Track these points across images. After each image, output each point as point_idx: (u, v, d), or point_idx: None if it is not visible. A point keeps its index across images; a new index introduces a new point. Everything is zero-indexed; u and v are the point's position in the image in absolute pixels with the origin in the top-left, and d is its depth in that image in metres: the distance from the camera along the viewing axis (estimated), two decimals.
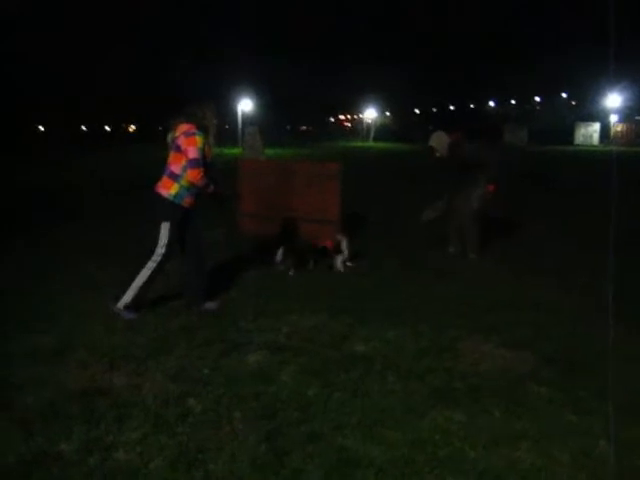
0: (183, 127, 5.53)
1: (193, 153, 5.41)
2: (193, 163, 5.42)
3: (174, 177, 5.52)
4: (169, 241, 5.54)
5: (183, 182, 5.51)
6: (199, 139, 5.46)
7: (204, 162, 5.50)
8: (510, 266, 7.65)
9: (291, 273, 7.27)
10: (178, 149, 5.50)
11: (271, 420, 3.78)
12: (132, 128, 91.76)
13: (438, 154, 8.22)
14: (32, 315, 5.66)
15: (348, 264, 7.62)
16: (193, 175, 5.44)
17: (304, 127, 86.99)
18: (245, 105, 63.34)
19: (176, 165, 5.53)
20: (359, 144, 65.29)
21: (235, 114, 62.12)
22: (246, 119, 57.48)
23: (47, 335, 5.13)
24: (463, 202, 8.06)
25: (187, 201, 5.58)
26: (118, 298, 5.59)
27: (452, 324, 5.47)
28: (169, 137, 5.63)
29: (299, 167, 9.92)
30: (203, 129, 5.56)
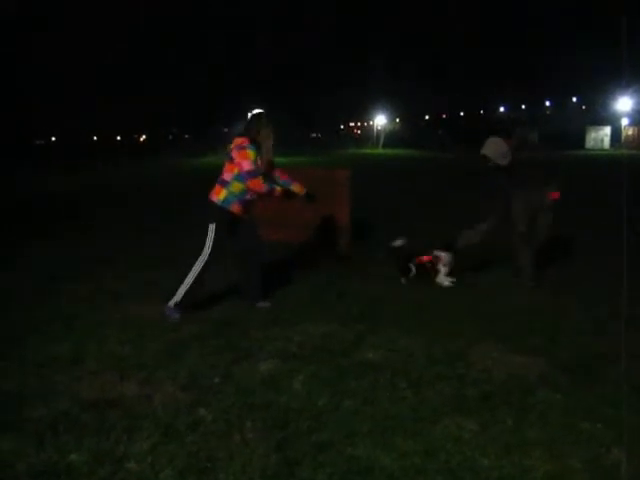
0: (238, 140, 5.91)
1: (247, 165, 5.79)
2: (251, 174, 5.80)
3: (224, 184, 5.91)
4: (214, 243, 5.87)
5: (232, 189, 5.88)
6: (250, 152, 5.82)
7: (260, 171, 5.90)
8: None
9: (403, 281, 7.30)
10: (231, 160, 5.89)
11: (282, 429, 3.76)
12: (143, 138, 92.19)
13: (491, 163, 7.17)
14: (46, 324, 5.67)
15: (447, 282, 7.23)
16: (255, 184, 5.83)
17: (314, 134, 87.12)
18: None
19: (228, 174, 5.91)
20: (369, 151, 65.32)
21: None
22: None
23: (60, 344, 5.14)
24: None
25: (235, 207, 5.91)
26: (168, 299, 5.89)
27: (464, 332, 5.44)
28: (228, 149, 6.01)
29: (309, 174, 9.92)
30: (256, 143, 5.90)
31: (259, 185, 5.84)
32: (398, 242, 7.47)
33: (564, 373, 4.53)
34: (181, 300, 5.86)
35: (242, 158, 5.80)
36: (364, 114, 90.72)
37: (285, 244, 8.92)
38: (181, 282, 5.87)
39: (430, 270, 7.25)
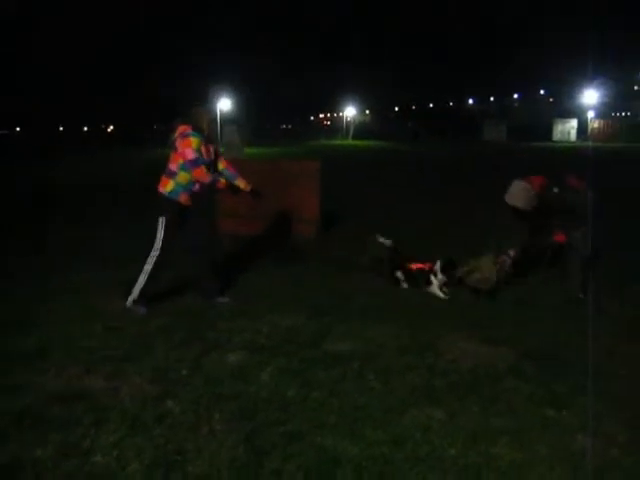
0: (180, 128, 5.74)
1: (190, 154, 5.62)
2: (193, 163, 5.64)
3: (170, 175, 5.74)
4: (165, 236, 5.73)
5: (179, 179, 5.71)
6: (194, 140, 5.65)
7: (204, 160, 5.71)
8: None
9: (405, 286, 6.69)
10: (175, 150, 5.70)
11: (250, 420, 3.75)
12: (110, 129, 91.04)
13: (522, 208, 6.14)
14: (13, 318, 5.59)
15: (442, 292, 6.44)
16: (198, 174, 5.66)
17: (284, 126, 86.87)
18: (224, 104, 63.15)
19: (173, 164, 5.73)
20: (339, 142, 65.34)
21: (214, 113, 61.86)
22: (226, 118, 57.32)
23: (25, 339, 5.07)
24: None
25: (183, 198, 5.76)
26: (127, 295, 5.80)
27: (432, 323, 5.47)
28: (170, 138, 5.81)
29: (278, 166, 9.90)
30: (199, 130, 5.74)
31: (202, 174, 5.67)
32: (385, 241, 7.05)
33: (530, 362, 4.57)
34: (138, 298, 5.76)
35: (185, 146, 5.61)
36: (334, 105, 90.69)
37: (253, 236, 8.88)
38: (136, 280, 5.77)
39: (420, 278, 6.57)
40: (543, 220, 6.22)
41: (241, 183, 6.09)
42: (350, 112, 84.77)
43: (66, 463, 3.30)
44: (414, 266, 6.69)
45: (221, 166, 6.06)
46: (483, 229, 7.33)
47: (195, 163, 5.63)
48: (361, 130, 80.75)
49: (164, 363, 4.61)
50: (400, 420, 3.75)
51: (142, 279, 5.75)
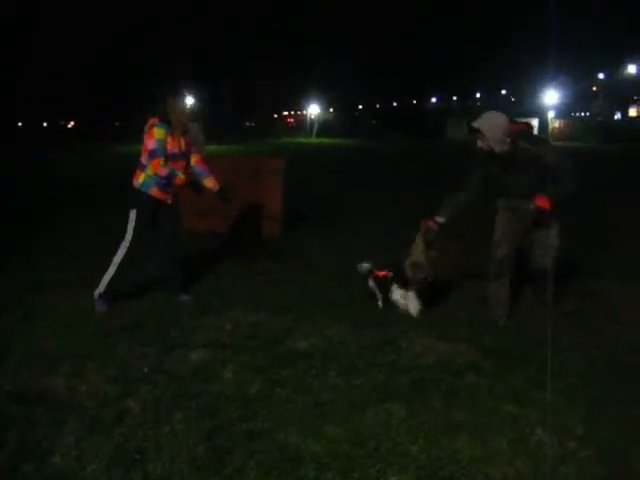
0: (150, 120, 5.70)
1: (151, 144, 5.58)
2: (152, 154, 5.59)
3: (141, 167, 5.74)
4: (136, 228, 5.72)
5: (149, 172, 5.68)
6: (158, 130, 5.59)
7: (165, 153, 5.62)
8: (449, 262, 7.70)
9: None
10: (144, 141, 5.68)
11: (212, 418, 3.73)
12: (71, 124, 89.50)
13: (482, 143, 5.31)
14: None
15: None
16: (153, 165, 5.60)
17: (247, 123, 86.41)
18: (187, 101, 62.73)
19: (143, 156, 5.73)
20: (302, 140, 65.34)
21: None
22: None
23: None
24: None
25: (154, 191, 5.72)
26: (95, 288, 5.76)
27: (393, 320, 5.50)
28: (144, 130, 5.75)
29: (242, 162, 9.86)
30: (167, 122, 5.67)
31: (158, 166, 5.57)
32: (365, 266, 6.15)
33: (490, 358, 4.63)
34: (105, 290, 5.73)
35: (148, 137, 5.60)
36: (298, 103, 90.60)
37: (215, 233, 8.84)
38: (105, 272, 5.76)
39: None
40: (513, 177, 5.31)
41: (210, 182, 6.01)
42: (314, 110, 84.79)
43: (24, 465, 3.24)
44: (381, 273, 5.99)
45: (193, 161, 5.99)
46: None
47: (152, 154, 5.57)
48: (325, 128, 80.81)
49: (125, 361, 4.56)
50: (362, 417, 3.77)
51: (111, 271, 5.73)
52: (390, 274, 5.88)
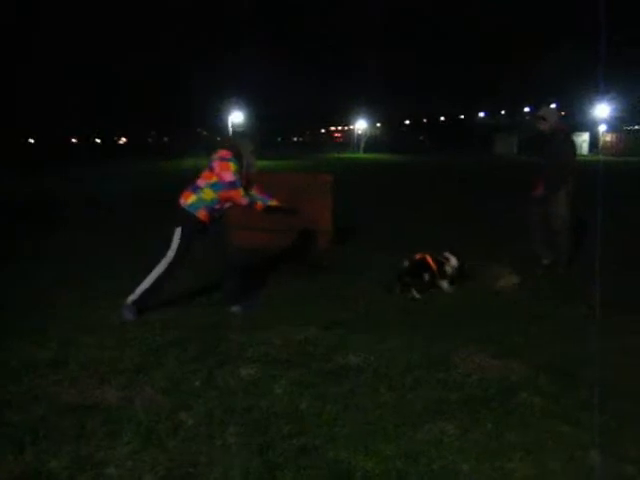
0: (221, 152, 6.00)
1: (229, 177, 5.89)
2: (232, 185, 5.90)
3: (195, 189, 5.97)
4: (179, 246, 5.91)
5: (203, 195, 5.94)
6: (232, 165, 5.92)
7: (241, 184, 5.99)
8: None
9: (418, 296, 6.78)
10: (211, 169, 5.95)
11: (263, 434, 3.75)
12: (123, 140, 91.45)
13: (542, 127, 7.82)
14: (27, 328, 5.61)
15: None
16: (235, 195, 5.95)
17: (295, 138, 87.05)
18: (235, 117, 63.51)
19: (203, 181, 5.98)
20: (349, 155, 65.46)
21: (226, 126, 62.21)
22: (237, 131, 57.61)
23: (39, 349, 5.09)
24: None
25: (202, 213, 5.94)
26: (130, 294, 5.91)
27: (445, 335, 5.46)
28: (210, 159, 6.07)
29: (291, 178, 9.94)
30: (238, 157, 6.01)
31: (240, 196, 5.95)
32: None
33: (543, 376, 4.55)
34: (138, 299, 5.89)
35: (223, 170, 5.88)
36: (345, 118, 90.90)
37: (266, 249, 8.91)
38: (141, 282, 5.90)
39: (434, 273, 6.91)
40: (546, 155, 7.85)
41: (273, 203, 6.35)
42: (361, 125, 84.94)
43: (80, 475, 3.31)
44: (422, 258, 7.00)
45: (254, 191, 6.25)
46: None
47: (234, 185, 5.90)
48: (372, 143, 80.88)
49: (177, 375, 4.62)
50: (413, 434, 3.75)
51: (148, 281, 5.90)
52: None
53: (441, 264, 6.98)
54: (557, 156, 7.66)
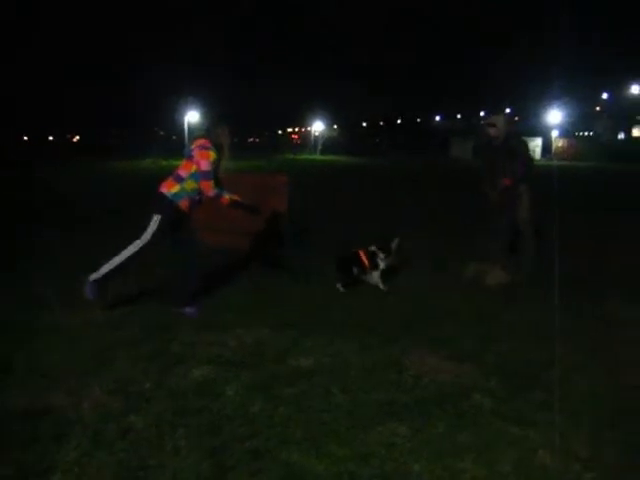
0: (200, 141, 6.03)
1: (205, 166, 5.89)
2: (205, 175, 5.91)
3: (178, 179, 5.95)
4: (155, 233, 5.82)
5: (185, 186, 5.92)
6: (212, 154, 5.94)
7: (214, 175, 6.00)
8: (457, 280, 7.69)
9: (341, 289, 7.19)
10: (191, 158, 5.96)
11: (215, 436, 3.72)
12: (76, 139, 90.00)
13: (494, 133, 7.85)
14: None
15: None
16: (205, 186, 5.93)
17: (251, 139, 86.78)
18: (192, 117, 63.04)
19: (184, 170, 5.96)
20: (306, 157, 65.48)
21: (182, 125, 61.71)
22: (193, 131, 57.22)
23: None
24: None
25: (184, 203, 5.93)
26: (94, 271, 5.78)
27: (399, 337, 5.48)
28: (186, 149, 6.15)
29: (245, 179, 9.87)
30: (217, 146, 6.04)
31: (209, 187, 5.92)
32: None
33: (495, 378, 4.60)
34: (101, 277, 5.76)
35: (202, 157, 5.87)
36: (303, 120, 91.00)
37: (219, 249, 8.82)
38: (108, 261, 5.79)
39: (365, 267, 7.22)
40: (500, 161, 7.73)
41: (235, 198, 6.37)
42: (318, 127, 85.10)
43: None
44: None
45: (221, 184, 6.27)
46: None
47: (206, 175, 5.90)
48: (329, 145, 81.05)
49: (127, 377, 4.55)
50: (365, 436, 3.75)
51: (114, 261, 5.79)
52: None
53: (373, 258, 7.22)
54: (517, 157, 7.69)
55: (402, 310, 6.37)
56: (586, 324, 5.89)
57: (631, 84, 77.31)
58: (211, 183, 5.93)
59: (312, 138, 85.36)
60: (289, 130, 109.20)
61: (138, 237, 5.79)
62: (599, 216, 13.40)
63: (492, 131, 7.82)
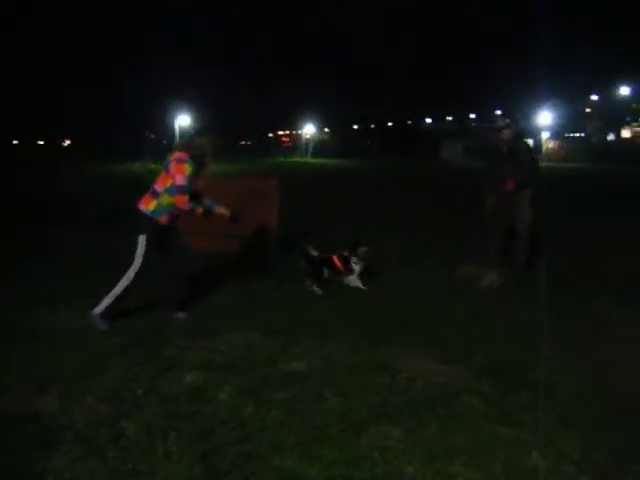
0: (177, 154, 5.88)
1: (180, 180, 5.75)
2: (180, 189, 5.76)
3: (155, 195, 5.83)
4: (145, 254, 5.77)
5: (162, 200, 5.81)
6: (188, 167, 5.78)
7: (190, 189, 5.84)
8: (449, 282, 7.71)
9: (315, 289, 7.32)
10: (167, 171, 5.83)
11: (207, 441, 3.71)
12: (66, 143, 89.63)
13: (506, 137, 7.97)
14: None
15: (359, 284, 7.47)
16: (179, 200, 5.78)
17: (243, 142, 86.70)
18: (182, 120, 62.97)
19: (160, 185, 5.85)
20: (297, 160, 65.47)
21: (172, 129, 61.62)
22: (183, 135, 57.15)
23: None
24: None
25: (164, 219, 5.84)
26: (95, 305, 5.73)
27: (388, 339, 5.49)
28: (166, 160, 5.95)
29: (236, 183, 9.87)
30: (196, 159, 5.90)
31: (183, 202, 5.79)
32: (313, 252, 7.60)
33: (486, 380, 4.61)
34: (105, 310, 5.71)
35: (177, 171, 5.75)
36: (294, 123, 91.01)
37: (210, 253, 8.80)
38: (107, 292, 5.73)
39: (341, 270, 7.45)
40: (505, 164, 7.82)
41: (220, 209, 6.26)
42: (309, 130, 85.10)
43: None
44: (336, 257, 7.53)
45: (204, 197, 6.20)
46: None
47: (181, 190, 5.75)
48: (320, 148, 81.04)
49: (119, 383, 4.53)
50: (358, 439, 3.75)
51: (115, 293, 5.73)
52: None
53: (347, 262, 7.43)
54: (522, 161, 7.79)
55: (393, 312, 6.39)
56: (574, 325, 5.92)
57: (620, 85, 77.77)
58: (186, 198, 5.79)
59: (303, 141, 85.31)
60: (280, 133, 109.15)
61: (130, 264, 5.75)
62: (588, 217, 13.48)
63: (505, 134, 7.91)
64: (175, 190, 5.76)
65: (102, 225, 12.09)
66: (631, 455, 3.61)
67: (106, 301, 5.72)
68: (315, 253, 7.48)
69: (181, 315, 6.11)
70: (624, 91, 79.65)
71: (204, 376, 4.66)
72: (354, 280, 7.43)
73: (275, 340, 5.46)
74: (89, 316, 5.71)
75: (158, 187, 5.84)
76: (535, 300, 6.23)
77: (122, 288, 5.73)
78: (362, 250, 7.48)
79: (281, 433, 3.81)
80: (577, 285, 7.28)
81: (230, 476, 3.34)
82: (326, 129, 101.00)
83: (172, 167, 5.79)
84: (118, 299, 5.74)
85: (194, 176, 5.88)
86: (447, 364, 4.93)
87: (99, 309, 5.71)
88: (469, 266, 7.70)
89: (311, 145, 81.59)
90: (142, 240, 5.77)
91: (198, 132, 6.19)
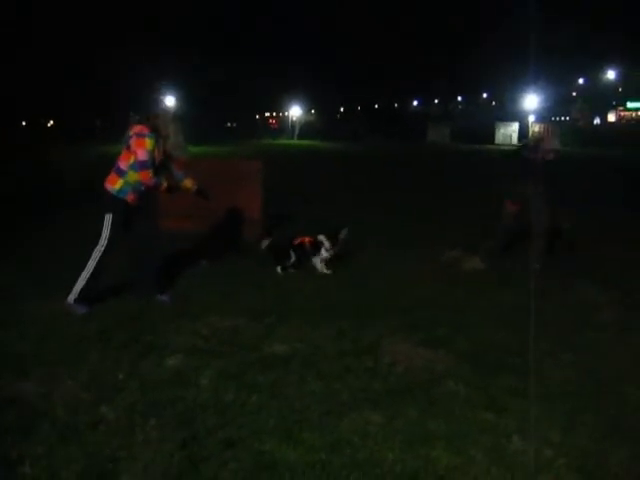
0: (137, 128, 5.74)
1: (142, 155, 5.63)
2: (143, 165, 5.65)
3: (120, 173, 5.72)
4: (111, 233, 5.69)
5: (128, 178, 5.70)
6: (149, 141, 5.66)
7: (153, 163, 5.73)
8: (432, 266, 7.71)
9: (279, 271, 7.32)
10: (128, 148, 5.71)
11: (188, 426, 3.68)
12: (50, 123, 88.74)
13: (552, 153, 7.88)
14: None
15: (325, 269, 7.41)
16: (143, 176, 5.68)
17: (229, 124, 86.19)
18: (167, 102, 62.51)
19: (124, 162, 5.73)
20: (284, 142, 65.22)
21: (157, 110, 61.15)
22: (159, 107, 56.65)
23: None
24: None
25: (130, 197, 5.75)
26: (68, 293, 5.68)
27: (373, 323, 5.48)
28: (125, 135, 5.83)
29: (220, 165, 9.80)
30: (156, 132, 5.75)
31: (147, 177, 5.69)
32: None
33: (467, 364, 4.62)
34: (79, 296, 5.66)
35: (138, 146, 5.63)
36: (279, 105, 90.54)
37: (194, 235, 8.75)
38: (78, 276, 5.68)
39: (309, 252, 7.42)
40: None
41: (188, 183, 6.17)
42: (296, 112, 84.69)
43: None
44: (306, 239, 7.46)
45: (174, 167, 6.11)
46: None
47: (144, 165, 5.64)
48: (307, 130, 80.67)
49: (99, 367, 4.49)
50: (339, 424, 3.74)
51: (84, 276, 5.67)
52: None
53: (317, 247, 7.36)
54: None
55: (377, 296, 6.38)
56: (558, 310, 5.94)
57: (607, 69, 77.94)
58: (150, 172, 5.68)
59: (289, 123, 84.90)
60: (267, 115, 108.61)
61: (96, 243, 5.68)
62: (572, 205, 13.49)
63: (546, 145, 7.89)
64: (138, 166, 5.65)
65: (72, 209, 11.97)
66: (611, 438, 3.63)
67: (78, 285, 5.66)
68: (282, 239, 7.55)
69: (164, 298, 6.06)
70: (610, 75, 79.92)
71: (185, 360, 4.64)
72: (318, 264, 7.39)
73: (258, 323, 5.44)
74: (64, 304, 5.65)
75: (122, 165, 5.73)
76: (519, 285, 6.25)
77: (90, 269, 5.67)
78: (343, 232, 7.45)
79: (262, 417, 3.80)
80: (560, 270, 7.29)
81: (209, 462, 3.31)
82: (312, 111, 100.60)
83: (133, 142, 5.66)
84: (88, 281, 5.67)
85: (157, 149, 5.77)
86: (430, 348, 4.92)
87: (72, 295, 5.66)
88: (454, 251, 7.70)
89: (297, 127, 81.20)
90: (107, 219, 5.68)
91: (154, 105, 6.07)
